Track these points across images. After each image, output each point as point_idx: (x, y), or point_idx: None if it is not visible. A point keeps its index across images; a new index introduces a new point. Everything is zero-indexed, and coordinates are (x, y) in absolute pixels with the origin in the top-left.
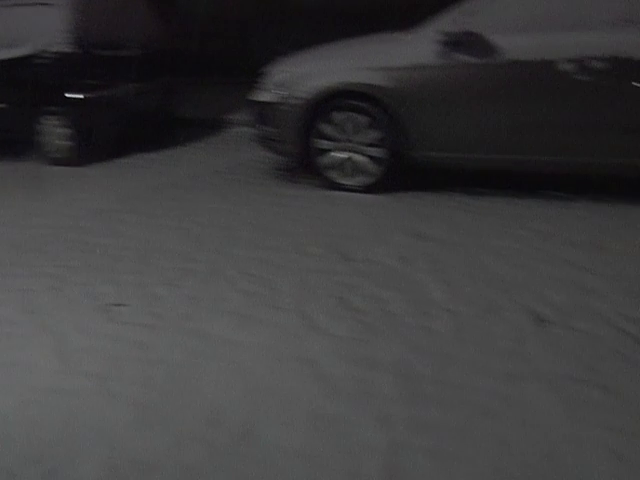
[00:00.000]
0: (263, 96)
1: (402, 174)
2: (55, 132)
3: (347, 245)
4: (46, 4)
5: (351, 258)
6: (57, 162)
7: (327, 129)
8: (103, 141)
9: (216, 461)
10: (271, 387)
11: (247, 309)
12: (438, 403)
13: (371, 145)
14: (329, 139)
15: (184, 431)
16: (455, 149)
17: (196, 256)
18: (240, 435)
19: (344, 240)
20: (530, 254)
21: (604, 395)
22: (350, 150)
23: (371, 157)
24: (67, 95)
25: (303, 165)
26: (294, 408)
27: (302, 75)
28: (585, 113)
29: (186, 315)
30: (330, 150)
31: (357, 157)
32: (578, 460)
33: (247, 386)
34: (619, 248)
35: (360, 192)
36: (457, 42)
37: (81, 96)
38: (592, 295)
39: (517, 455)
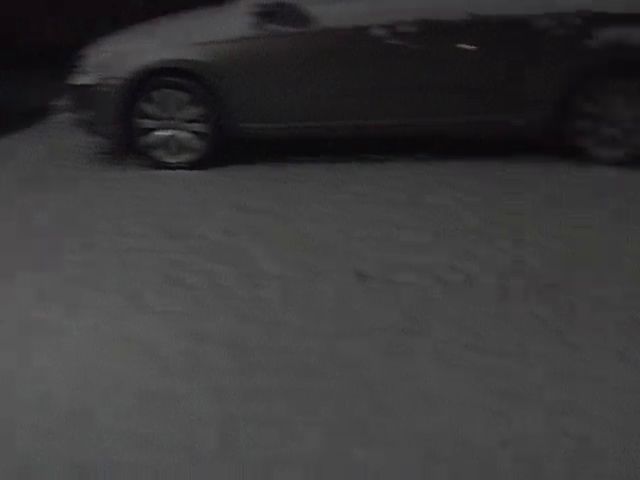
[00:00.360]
0: (82, 79)
1: (227, 148)
2: None
3: (173, 223)
4: None
5: (177, 235)
6: None
7: (148, 108)
8: None
9: (44, 445)
10: (100, 370)
11: (72, 295)
12: (270, 370)
13: (193, 121)
14: (151, 118)
15: (9, 419)
16: (277, 119)
17: (18, 247)
18: (69, 419)
19: (170, 218)
20: (349, 217)
21: (426, 343)
22: (173, 128)
23: (195, 133)
24: None
25: (127, 146)
26: (125, 388)
27: (120, 55)
28: (401, 76)
29: (9, 306)
30: (153, 129)
31: (180, 134)
32: (405, 409)
33: (75, 370)
34: (435, 203)
35: (186, 169)
36: (271, 13)
37: None
38: (410, 249)
39: (347, 412)
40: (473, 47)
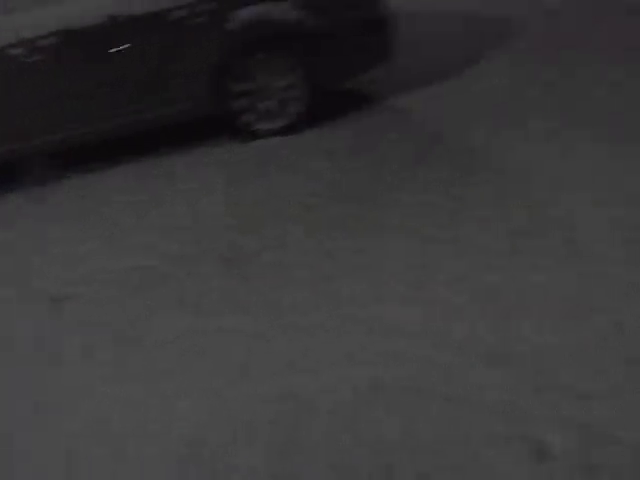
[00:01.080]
0: None
1: None
2: None
3: None
4: None
5: None
6: None
7: None
8: None
9: None
10: None
11: None
12: None
13: None
14: None
15: None
16: None
17: None
18: None
19: None
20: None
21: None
22: None
23: None
24: None
25: None
26: None
27: None
28: (41, 93)
29: None
30: None
31: None
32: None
33: None
34: (95, 211)
35: None
36: None
37: None
38: (79, 261)
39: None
40: (122, 47)
